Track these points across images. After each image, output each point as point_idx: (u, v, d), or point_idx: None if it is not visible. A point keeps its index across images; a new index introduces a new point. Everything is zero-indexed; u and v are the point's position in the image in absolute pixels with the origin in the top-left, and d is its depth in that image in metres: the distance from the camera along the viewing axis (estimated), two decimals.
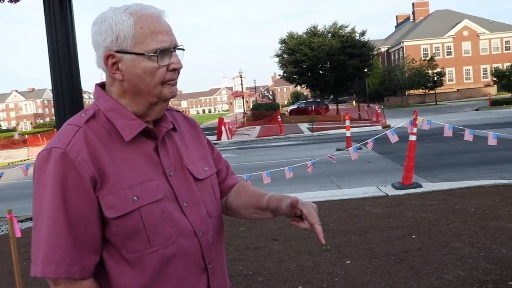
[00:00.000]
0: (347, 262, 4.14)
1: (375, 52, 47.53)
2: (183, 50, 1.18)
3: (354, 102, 47.03)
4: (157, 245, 1.10)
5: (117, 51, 1.10)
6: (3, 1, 3.50)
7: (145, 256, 1.09)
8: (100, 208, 1.06)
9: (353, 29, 42.12)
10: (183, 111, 1.58)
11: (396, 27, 77.47)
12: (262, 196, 1.28)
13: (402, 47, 59.94)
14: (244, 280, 3.94)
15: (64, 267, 1.02)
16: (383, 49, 68.17)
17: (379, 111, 25.10)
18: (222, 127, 22.46)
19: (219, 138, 21.74)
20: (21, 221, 6.93)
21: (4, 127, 78.95)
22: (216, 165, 1.36)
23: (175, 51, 1.14)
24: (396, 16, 78.84)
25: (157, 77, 1.11)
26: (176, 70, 1.15)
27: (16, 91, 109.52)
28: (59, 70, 3.18)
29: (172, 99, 1.22)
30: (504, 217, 5.12)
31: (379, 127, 21.22)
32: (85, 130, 1.09)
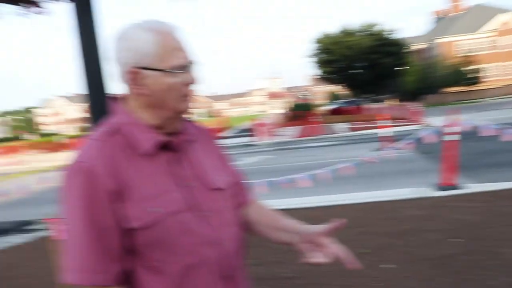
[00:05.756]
0: (388, 266, 4.07)
1: (411, 49, 46.46)
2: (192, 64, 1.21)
3: (389, 101, 45.83)
4: (179, 254, 1.14)
5: (141, 68, 1.14)
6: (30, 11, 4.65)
7: (168, 265, 1.14)
8: (122, 219, 1.11)
9: (386, 27, 41.66)
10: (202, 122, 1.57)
11: (436, 22, 75.12)
12: (278, 217, 1.38)
13: (443, 42, 58.03)
14: (282, 283, 3.96)
15: (88, 274, 1.09)
16: (420, 46, 66.22)
17: (416, 110, 24.47)
18: (260, 127, 22.51)
19: (256, 139, 21.77)
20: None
21: (50, 131, 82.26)
22: (234, 177, 1.38)
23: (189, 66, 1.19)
24: (435, 12, 76.48)
25: (179, 92, 1.17)
26: (191, 85, 1.20)
27: (63, 96, 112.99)
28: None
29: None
30: None
31: (418, 126, 20.67)
32: (108, 144, 1.14)
